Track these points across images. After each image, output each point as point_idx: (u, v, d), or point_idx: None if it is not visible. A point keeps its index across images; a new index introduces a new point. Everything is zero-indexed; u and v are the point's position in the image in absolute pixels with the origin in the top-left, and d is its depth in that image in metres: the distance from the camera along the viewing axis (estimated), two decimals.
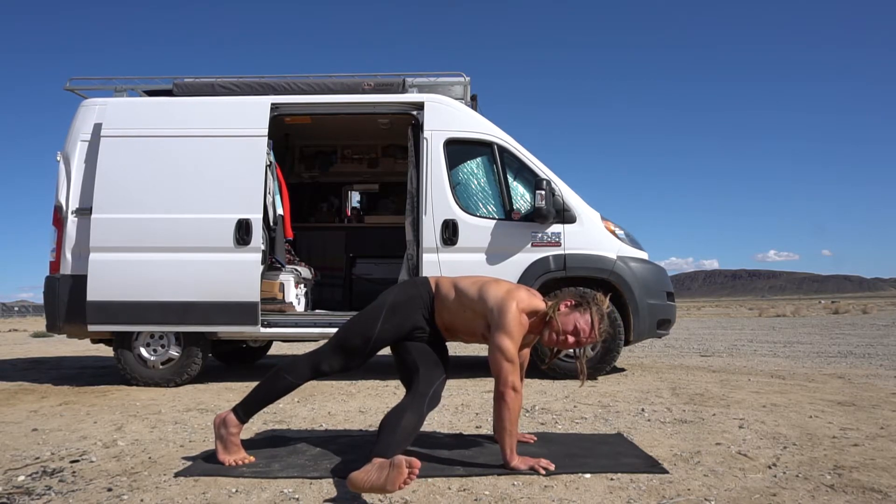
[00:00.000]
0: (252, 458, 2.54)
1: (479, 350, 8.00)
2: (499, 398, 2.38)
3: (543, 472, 2.32)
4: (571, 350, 2.72)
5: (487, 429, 3.14)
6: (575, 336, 2.48)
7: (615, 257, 5.15)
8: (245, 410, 2.59)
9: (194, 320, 5.02)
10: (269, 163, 5.29)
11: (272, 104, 5.29)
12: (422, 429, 3.04)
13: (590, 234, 5.17)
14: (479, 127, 5.31)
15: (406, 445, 2.25)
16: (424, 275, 4.95)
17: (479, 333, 2.56)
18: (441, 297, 2.60)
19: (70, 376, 5.90)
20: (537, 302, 2.55)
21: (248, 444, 2.75)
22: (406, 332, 2.57)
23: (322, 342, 2.78)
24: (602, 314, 2.50)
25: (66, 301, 5.10)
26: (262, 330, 5.10)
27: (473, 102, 5.74)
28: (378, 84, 5.43)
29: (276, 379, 2.61)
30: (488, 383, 4.55)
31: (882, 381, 4.95)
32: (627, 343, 5.21)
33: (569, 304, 2.51)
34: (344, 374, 2.80)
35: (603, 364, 5.07)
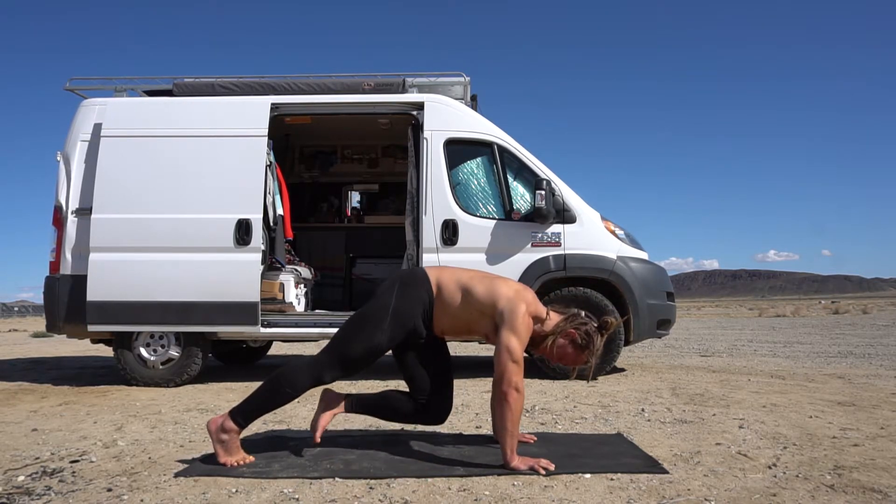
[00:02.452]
0: (252, 458, 2.54)
1: (479, 350, 8.00)
2: (501, 398, 2.38)
3: (543, 472, 2.32)
4: None
5: (487, 429, 3.14)
6: (560, 362, 2.60)
7: (615, 257, 5.15)
8: (244, 417, 2.55)
9: (194, 320, 5.02)
10: (269, 163, 5.29)
11: (272, 104, 5.29)
12: (422, 429, 3.05)
13: (590, 234, 5.17)
14: (479, 127, 5.31)
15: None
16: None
17: (482, 333, 2.57)
18: (443, 299, 2.56)
19: (70, 376, 5.90)
20: (540, 308, 2.57)
21: (248, 444, 2.74)
22: (406, 335, 2.57)
23: (322, 343, 2.77)
24: (598, 355, 2.56)
25: (66, 301, 5.10)
26: (262, 330, 5.09)
27: (473, 102, 5.73)
28: (378, 84, 5.43)
29: (276, 390, 2.56)
30: (488, 383, 4.54)
31: (882, 381, 4.95)
32: (627, 343, 5.21)
33: (574, 338, 2.51)
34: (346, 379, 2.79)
35: (603, 364, 5.07)
